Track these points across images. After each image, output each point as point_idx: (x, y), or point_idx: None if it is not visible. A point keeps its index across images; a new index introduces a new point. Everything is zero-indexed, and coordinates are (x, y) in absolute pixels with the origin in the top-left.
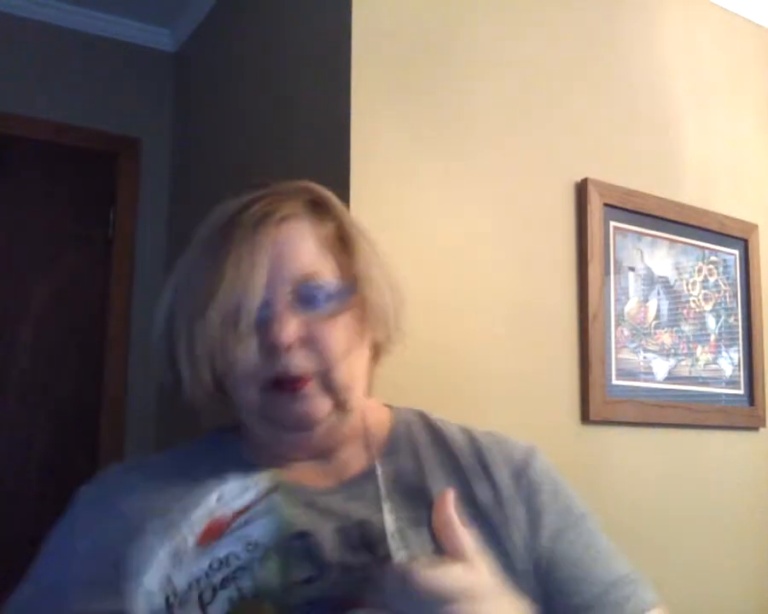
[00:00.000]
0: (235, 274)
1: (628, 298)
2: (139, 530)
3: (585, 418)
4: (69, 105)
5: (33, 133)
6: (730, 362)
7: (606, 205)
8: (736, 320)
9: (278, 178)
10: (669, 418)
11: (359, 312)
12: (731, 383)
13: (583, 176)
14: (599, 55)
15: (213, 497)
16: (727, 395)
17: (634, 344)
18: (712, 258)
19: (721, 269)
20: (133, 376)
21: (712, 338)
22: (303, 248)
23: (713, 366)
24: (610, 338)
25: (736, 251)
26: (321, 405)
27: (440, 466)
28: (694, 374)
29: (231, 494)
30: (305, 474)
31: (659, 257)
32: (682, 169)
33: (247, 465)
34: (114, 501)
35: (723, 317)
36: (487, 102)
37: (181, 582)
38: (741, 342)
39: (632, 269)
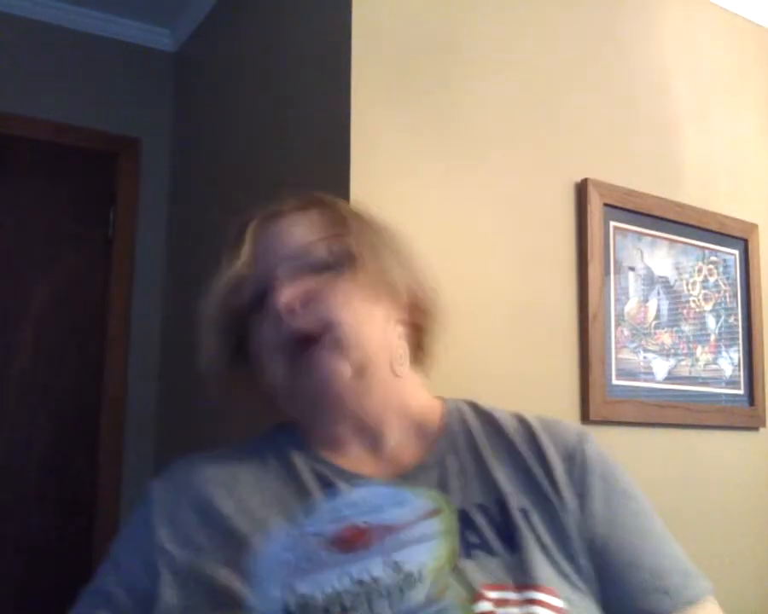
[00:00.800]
0: (241, 261)
1: (628, 298)
2: (227, 520)
3: (585, 418)
4: (69, 105)
5: (33, 133)
6: (730, 362)
7: (606, 205)
8: (736, 320)
9: (278, 178)
10: (669, 418)
11: (366, 282)
12: (731, 383)
13: (583, 176)
14: (599, 55)
15: (342, 501)
16: (727, 395)
17: (634, 344)
18: (712, 258)
19: (721, 269)
20: (133, 376)
21: (712, 338)
22: (295, 230)
23: (713, 366)
24: (610, 338)
25: (736, 252)
26: (336, 365)
27: (498, 455)
28: (694, 374)
29: (371, 502)
30: (361, 463)
31: (659, 257)
32: (682, 169)
33: (306, 448)
34: (189, 489)
35: (723, 317)
36: (487, 102)
37: (306, 589)
38: (741, 342)
39: (632, 269)
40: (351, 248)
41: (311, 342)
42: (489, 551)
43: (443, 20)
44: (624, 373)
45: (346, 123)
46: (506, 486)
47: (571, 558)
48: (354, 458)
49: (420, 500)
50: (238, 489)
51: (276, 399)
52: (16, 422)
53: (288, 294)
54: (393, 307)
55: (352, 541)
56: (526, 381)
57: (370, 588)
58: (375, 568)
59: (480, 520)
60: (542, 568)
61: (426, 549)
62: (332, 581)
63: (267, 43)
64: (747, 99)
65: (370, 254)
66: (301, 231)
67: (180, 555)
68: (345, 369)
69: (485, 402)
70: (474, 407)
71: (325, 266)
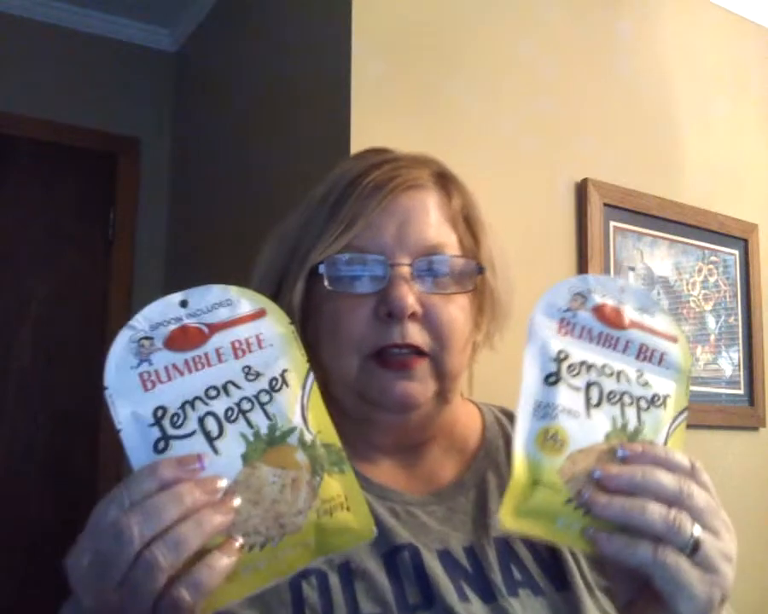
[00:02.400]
0: (356, 233)
1: None
2: None
3: None
4: (69, 105)
5: (33, 133)
6: (729, 362)
7: (606, 205)
8: (736, 320)
9: (278, 177)
10: None
11: (479, 298)
12: (731, 383)
13: (583, 176)
14: (600, 56)
15: (175, 299)
16: (727, 395)
17: None
18: (712, 258)
19: (721, 269)
20: None
21: (712, 338)
22: (429, 219)
23: (713, 366)
24: None
25: (736, 252)
26: (426, 389)
27: None
28: (694, 374)
29: (201, 304)
30: (393, 477)
31: (659, 257)
32: (682, 169)
33: None
34: None
35: (723, 317)
36: (487, 102)
37: (169, 399)
38: (741, 342)
39: (632, 269)
40: (480, 263)
41: (414, 360)
42: (535, 589)
43: (443, 20)
44: None
45: (346, 122)
46: None
47: (610, 594)
48: (386, 470)
49: (245, 300)
50: None
51: (327, 380)
52: (16, 422)
53: (410, 301)
54: (491, 326)
55: (189, 341)
56: None
57: (237, 396)
58: (229, 374)
59: (524, 552)
60: (590, 610)
61: (273, 350)
62: (196, 390)
63: (267, 43)
64: (747, 99)
65: (493, 269)
66: (432, 223)
67: None
68: (429, 394)
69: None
70: (510, 417)
71: (455, 278)
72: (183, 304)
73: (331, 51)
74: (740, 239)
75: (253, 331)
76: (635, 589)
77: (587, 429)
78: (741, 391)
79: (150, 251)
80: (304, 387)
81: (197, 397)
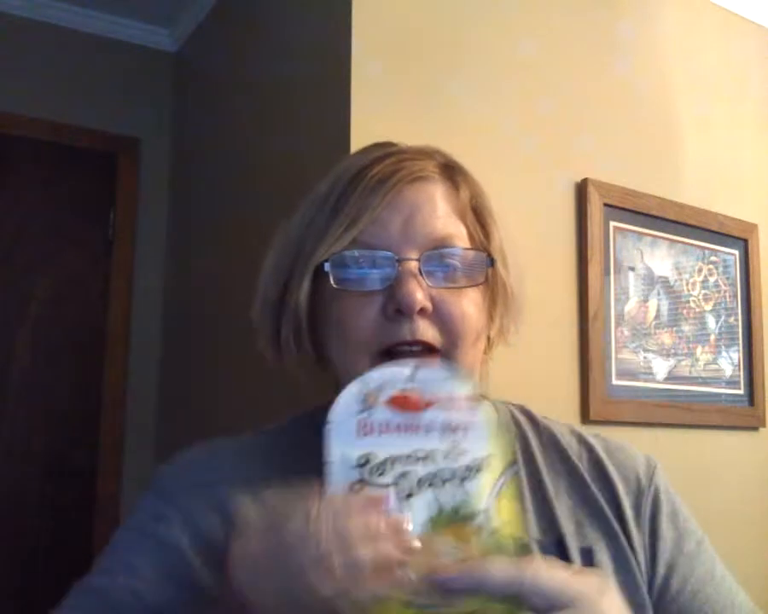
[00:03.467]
0: (361, 229)
1: (628, 298)
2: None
3: (585, 418)
4: (69, 105)
5: (33, 133)
6: (730, 362)
7: (606, 205)
8: (736, 320)
9: (278, 176)
10: (669, 418)
11: (490, 292)
12: (731, 383)
13: (583, 176)
14: (600, 56)
15: (407, 369)
16: (727, 395)
17: (634, 344)
18: (712, 258)
19: (721, 269)
20: (133, 377)
21: (712, 338)
22: (436, 212)
23: (713, 366)
24: (610, 338)
25: (736, 252)
26: None
27: (559, 480)
28: (694, 374)
29: (426, 376)
30: None
31: (659, 257)
32: (682, 169)
33: None
34: (211, 487)
35: (723, 317)
36: (488, 102)
37: (376, 450)
38: (741, 342)
39: (632, 268)
40: (491, 255)
41: (421, 355)
42: None
43: (443, 20)
44: (624, 373)
45: (346, 122)
46: (567, 523)
47: (639, 607)
48: None
49: (467, 385)
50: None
51: (334, 381)
52: (16, 422)
53: (419, 296)
54: (504, 321)
55: (409, 405)
56: (526, 381)
57: (438, 467)
58: (437, 444)
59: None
60: None
61: (484, 438)
62: (403, 450)
63: (267, 43)
64: (747, 99)
65: (504, 260)
66: (440, 215)
67: (204, 570)
68: None
69: (536, 410)
70: (530, 416)
71: (465, 271)
72: (412, 372)
73: (331, 51)
74: (740, 239)
75: (467, 412)
76: None
77: None
78: (741, 391)
79: (150, 252)
80: (502, 477)
81: (401, 457)
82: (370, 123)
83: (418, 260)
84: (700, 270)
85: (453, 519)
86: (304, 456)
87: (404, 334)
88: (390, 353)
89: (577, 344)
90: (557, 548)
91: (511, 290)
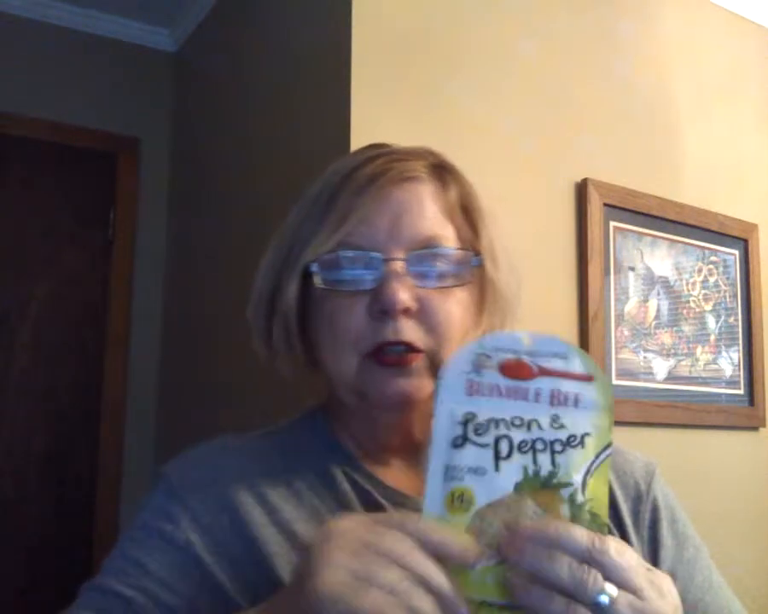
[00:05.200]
0: (350, 230)
1: (628, 298)
2: (252, 526)
3: None
4: (69, 105)
5: (33, 133)
6: (730, 362)
7: (606, 205)
8: (736, 320)
9: (278, 176)
10: (669, 418)
11: (478, 291)
12: (731, 383)
13: (583, 176)
14: (599, 56)
15: (523, 337)
16: (727, 395)
17: (634, 344)
18: (712, 258)
19: (721, 269)
20: (133, 377)
21: (712, 338)
22: (423, 212)
23: (713, 366)
24: (610, 338)
25: (736, 252)
26: (423, 385)
27: None
28: (694, 374)
29: (541, 348)
30: (405, 479)
31: (659, 257)
32: (682, 169)
33: (341, 452)
34: (219, 486)
35: (723, 317)
36: (488, 102)
37: (480, 410)
38: (741, 342)
39: (632, 268)
40: (479, 250)
41: (410, 357)
42: None
43: (443, 20)
44: (624, 373)
45: (346, 122)
46: None
47: None
48: (397, 472)
49: (582, 362)
50: (269, 496)
51: (329, 382)
52: (16, 422)
53: (404, 297)
54: (494, 319)
55: (521, 372)
56: None
57: (536, 435)
58: (537, 415)
59: None
60: None
61: (588, 415)
62: (504, 414)
63: (267, 43)
64: (747, 99)
65: (494, 259)
66: (427, 215)
67: (216, 569)
68: (427, 390)
69: None
70: None
71: (451, 271)
72: (528, 341)
73: (331, 51)
74: (740, 239)
75: (576, 389)
76: None
77: (495, 484)
78: (741, 391)
79: (150, 252)
80: (597, 456)
81: (503, 420)
82: (370, 123)
83: (405, 260)
84: (700, 270)
85: (543, 486)
86: (306, 458)
87: (388, 334)
88: (377, 352)
89: (577, 344)
90: None
91: (500, 289)
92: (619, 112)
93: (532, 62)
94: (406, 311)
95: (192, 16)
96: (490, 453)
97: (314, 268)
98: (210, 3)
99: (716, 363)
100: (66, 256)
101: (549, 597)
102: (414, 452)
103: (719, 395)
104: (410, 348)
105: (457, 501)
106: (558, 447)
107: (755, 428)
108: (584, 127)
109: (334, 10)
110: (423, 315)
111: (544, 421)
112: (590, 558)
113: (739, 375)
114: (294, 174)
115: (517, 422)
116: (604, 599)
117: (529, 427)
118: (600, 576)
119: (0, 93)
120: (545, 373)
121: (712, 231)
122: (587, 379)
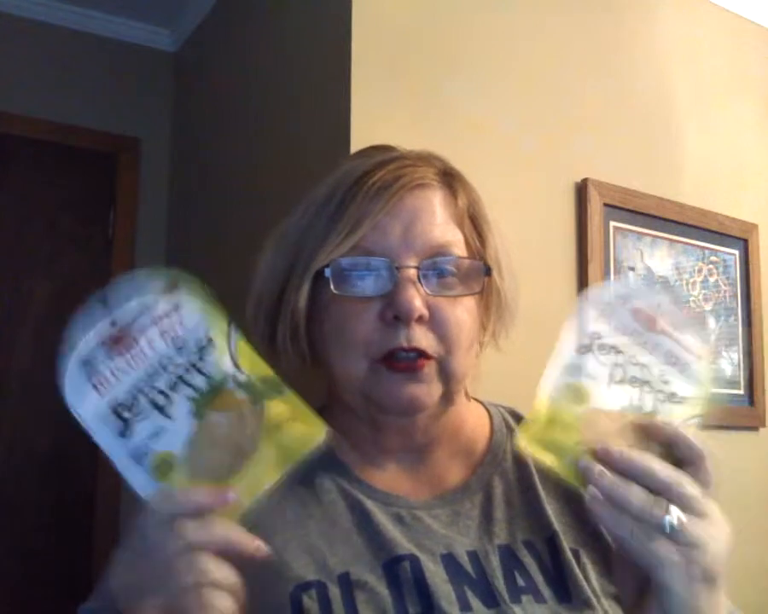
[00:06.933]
0: (362, 235)
1: None
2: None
3: None
4: (69, 105)
5: (33, 133)
6: (729, 362)
7: (606, 205)
8: (736, 320)
9: (278, 176)
10: None
11: (485, 298)
12: (731, 383)
13: (583, 176)
14: (599, 56)
15: (106, 323)
16: (727, 395)
17: None
18: (712, 258)
19: (721, 269)
20: None
21: (712, 338)
22: (435, 219)
23: (713, 366)
24: None
25: (736, 252)
26: (433, 391)
27: (547, 483)
28: None
29: (127, 317)
30: (398, 481)
31: (659, 257)
32: (682, 169)
33: (338, 464)
34: None
35: (723, 317)
36: (488, 103)
37: (121, 394)
38: (741, 342)
39: (632, 269)
40: (488, 264)
41: (420, 362)
42: (537, 597)
43: (443, 20)
44: None
45: (347, 121)
46: (557, 522)
47: (618, 600)
48: (392, 474)
49: (154, 291)
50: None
51: (333, 383)
52: (16, 423)
53: (417, 303)
54: (497, 327)
55: (122, 343)
56: (526, 381)
57: (174, 371)
58: (161, 350)
59: (528, 560)
60: None
61: (188, 315)
62: (140, 377)
63: (267, 43)
64: (747, 99)
65: (500, 269)
66: (439, 223)
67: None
68: (436, 396)
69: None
70: (519, 419)
71: (461, 279)
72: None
73: (331, 51)
74: (740, 239)
75: (175, 317)
76: (639, 591)
77: (606, 396)
78: (741, 391)
79: (150, 252)
80: (229, 339)
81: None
82: (370, 123)
83: (417, 268)
84: (700, 270)
85: (212, 395)
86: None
87: (401, 341)
88: (387, 358)
89: None
90: (549, 546)
91: (505, 298)
92: (619, 112)
93: (532, 62)
94: (419, 318)
95: (192, 16)
96: (607, 371)
97: (328, 272)
98: (210, 3)
99: (716, 363)
100: (66, 256)
101: (618, 514)
102: (410, 455)
103: (719, 395)
104: (422, 354)
105: (574, 391)
106: (662, 397)
107: (755, 428)
108: (584, 127)
109: (334, 10)
110: (434, 322)
111: (655, 371)
112: (668, 490)
113: (739, 375)
114: (295, 174)
115: (634, 361)
116: (671, 522)
117: (642, 370)
118: (668, 506)
119: (0, 93)
120: (667, 334)
121: (712, 231)
122: (697, 356)
